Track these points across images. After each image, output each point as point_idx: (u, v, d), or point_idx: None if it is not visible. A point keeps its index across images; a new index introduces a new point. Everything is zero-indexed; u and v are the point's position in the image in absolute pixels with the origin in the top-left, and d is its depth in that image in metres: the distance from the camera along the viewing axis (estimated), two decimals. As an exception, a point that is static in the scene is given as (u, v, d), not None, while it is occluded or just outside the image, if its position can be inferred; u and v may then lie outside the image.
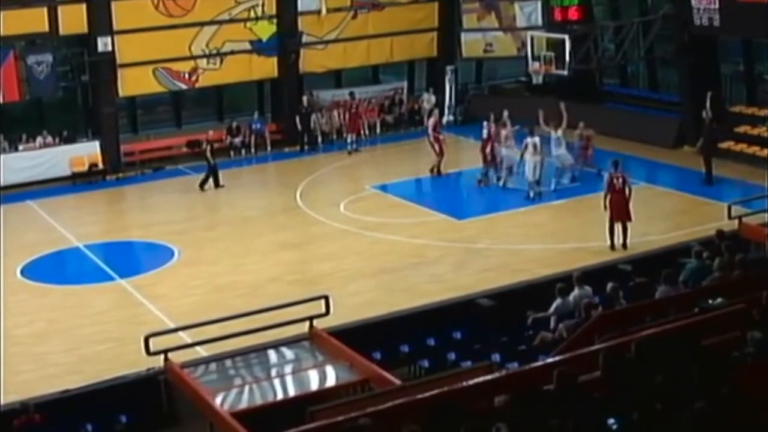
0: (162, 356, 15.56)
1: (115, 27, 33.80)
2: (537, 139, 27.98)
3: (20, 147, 33.38)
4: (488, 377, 11.19)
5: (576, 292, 17.23)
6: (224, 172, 33.51)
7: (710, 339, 10.36)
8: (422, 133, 36.67)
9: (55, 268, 25.37)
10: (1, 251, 25.26)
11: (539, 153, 27.81)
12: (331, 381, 15.00)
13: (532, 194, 27.89)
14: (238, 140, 35.97)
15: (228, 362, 15.93)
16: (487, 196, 29.59)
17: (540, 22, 38.28)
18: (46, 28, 32.89)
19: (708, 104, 29.12)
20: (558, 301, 17.10)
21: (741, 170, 28.20)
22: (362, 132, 36.44)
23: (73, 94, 35.89)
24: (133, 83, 34.77)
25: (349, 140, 35.29)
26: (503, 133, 29.31)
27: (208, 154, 31.54)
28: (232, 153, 35.73)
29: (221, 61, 36.05)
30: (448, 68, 39.35)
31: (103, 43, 33.57)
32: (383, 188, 29.96)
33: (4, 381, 17.95)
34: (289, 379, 15.24)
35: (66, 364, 19.01)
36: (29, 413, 15.03)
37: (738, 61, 34.19)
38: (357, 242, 25.41)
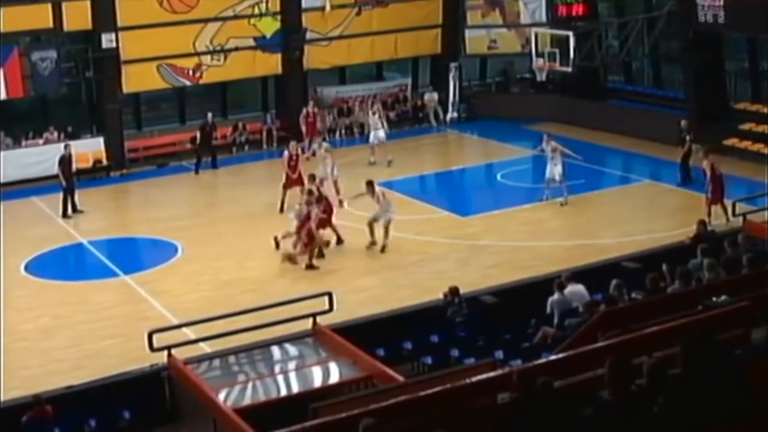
0: (165, 352, 15.63)
1: (120, 23, 33.83)
2: (554, 143, 27.61)
3: (23, 143, 33.42)
4: (491, 374, 11.18)
5: (569, 288, 17.33)
6: (229, 169, 33.75)
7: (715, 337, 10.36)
8: (426, 130, 36.83)
9: (59, 264, 25.41)
10: (0, 247, 25.26)
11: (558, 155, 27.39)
12: (334, 378, 15.05)
13: (546, 195, 27.61)
14: (243, 138, 36.05)
15: (231, 358, 16.00)
16: (491, 193, 29.59)
17: (544, 18, 38.22)
18: (51, 25, 32.92)
19: (687, 131, 28.90)
20: (555, 297, 17.20)
21: (745, 167, 28.15)
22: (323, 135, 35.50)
23: (77, 90, 35.98)
24: (137, 79, 34.79)
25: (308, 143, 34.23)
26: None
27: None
28: (234, 149, 35.81)
29: (225, 58, 36.05)
30: (452, 65, 39.34)
31: (107, 40, 33.58)
32: (388, 185, 29.90)
33: (10, 376, 18.00)
34: (292, 376, 15.30)
35: (70, 359, 19.03)
36: (41, 406, 15.09)
37: (743, 58, 34.17)
38: (361, 239, 25.38)
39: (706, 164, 25.29)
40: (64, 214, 28.80)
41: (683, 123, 29.35)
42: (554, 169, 27.13)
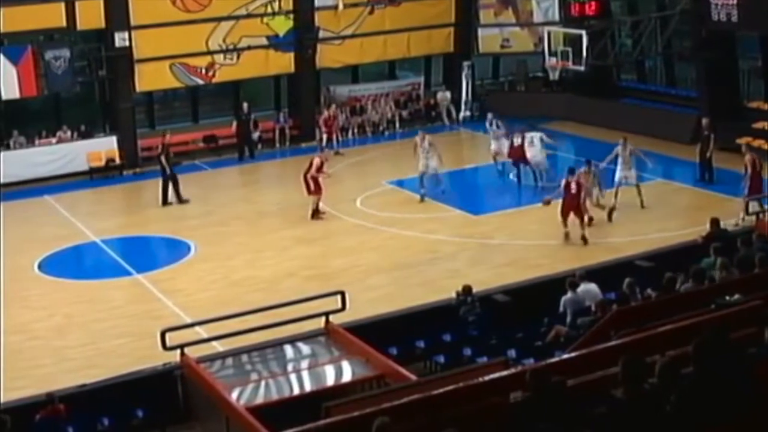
0: (178, 351, 15.65)
1: (133, 22, 33.88)
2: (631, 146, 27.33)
3: (36, 142, 33.49)
4: (504, 373, 11.17)
5: (582, 287, 17.32)
6: (242, 168, 33.81)
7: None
8: (439, 129, 36.78)
9: (72, 262, 25.48)
10: (1, 246, 25.33)
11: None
12: (346, 376, 15.05)
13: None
14: (256, 135, 36.07)
15: (244, 357, 16.02)
16: (503, 192, 29.57)
17: (557, 17, 38.19)
18: (64, 23, 32.99)
19: (708, 129, 28.91)
20: (568, 295, 17.19)
21: (759, 166, 28.08)
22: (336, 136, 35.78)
23: (91, 89, 36.03)
24: (150, 78, 34.86)
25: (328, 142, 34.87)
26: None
27: None
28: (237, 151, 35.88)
29: (238, 57, 36.08)
30: (465, 64, 39.35)
31: (120, 39, 33.64)
32: (399, 184, 29.95)
33: (22, 375, 18.07)
34: (305, 375, 15.30)
35: (83, 358, 19.08)
36: (54, 404, 15.13)
37: (756, 56, 34.05)
38: (373, 237, 25.43)
39: (748, 160, 25.15)
40: (164, 202, 29.64)
41: (704, 121, 29.31)
42: (629, 173, 26.87)
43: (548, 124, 34.91)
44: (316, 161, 27.99)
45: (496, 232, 25.39)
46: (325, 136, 34.61)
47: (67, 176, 32.65)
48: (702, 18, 31.74)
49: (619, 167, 27.00)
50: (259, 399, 14.34)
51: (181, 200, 29.68)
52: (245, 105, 35.48)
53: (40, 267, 24.65)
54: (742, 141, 30.37)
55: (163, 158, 29.83)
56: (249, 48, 36.11)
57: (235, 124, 35.32)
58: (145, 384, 16.41)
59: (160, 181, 29.80)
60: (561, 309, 17.23)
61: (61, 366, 18.74)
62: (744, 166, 25.30)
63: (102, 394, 16.28)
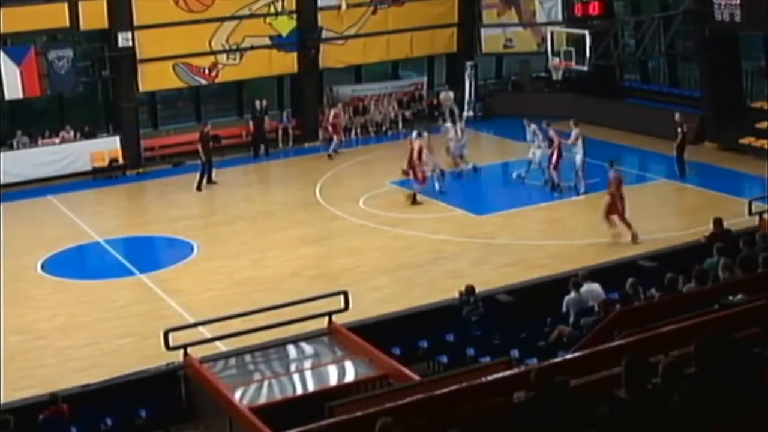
0: (181, 351, 15.67)
1: (136, 22, 33.91)
2: (578, 130, 27.92)
3: (40, 142, 33.50)
4: (507, 373, 11.17)
5: (585, 287, 17.31)
6: (245, 168, 33.81)
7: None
8: (441, 129, 36.74)
9: (75, 262, 25.49)
10: (0, 246, 25.36)
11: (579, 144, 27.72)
12: (350, 376, 15.06)
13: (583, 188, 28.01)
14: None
15: (247, 357, 16.02)
16: (507, 192, 29.57)
17: (560, 17, 38.22)
18: (67, 24, 33.02)
19: (680, 123, 29.22)
20: (571, 295, 17.19)
21: (762, 166, 28.03)
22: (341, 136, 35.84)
23: (94, 89, 36.04)
24: (153, 78, 34.86)
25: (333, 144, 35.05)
26: None
27: None
28: (251, 148, 35.83)
29: (241, 57, 36.09)
30: (468, 64, 39.31)
31: (123, 39, 33.65)
32: (402, 184, 29.92)
33: (26, 375, 18.11)
34: (308, 375, 15.31)
35: (87, 358, 19.09)
36: (58, 404, 15.16)
37: (759, 56, 34.03)
38: (376, 238, 25.42)
39: (613, 177, 24.49)
40: (198, 188, 31.23)
41: (677, 116, 29.59)
42: (575, 158, 27.42)
43: (551, 124, 34.95)
44: (416, 145, 28.31)
45: (500, 232, 25.39)
46: (335, 137, 34.65)
47: (71, 176, 32.64)
48: (705, 18, 31.73)
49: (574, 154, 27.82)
50: (263, 399, 14.35)
51: (210, 181, 31.51)
52: (258, 103, 35.54)
53: (43, 267, 24.67)
54: (745, 141, 30.46)
55: (199, 146, 31.37)
56: (252, 48, 36.12)
57: (251, 122, 35.56)
58: (148, 384, 16.44)
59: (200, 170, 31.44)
60: (564, 309, 17.24)
61: (64, 366, 18.76)
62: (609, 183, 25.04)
63: (105, 394, 16.32)
